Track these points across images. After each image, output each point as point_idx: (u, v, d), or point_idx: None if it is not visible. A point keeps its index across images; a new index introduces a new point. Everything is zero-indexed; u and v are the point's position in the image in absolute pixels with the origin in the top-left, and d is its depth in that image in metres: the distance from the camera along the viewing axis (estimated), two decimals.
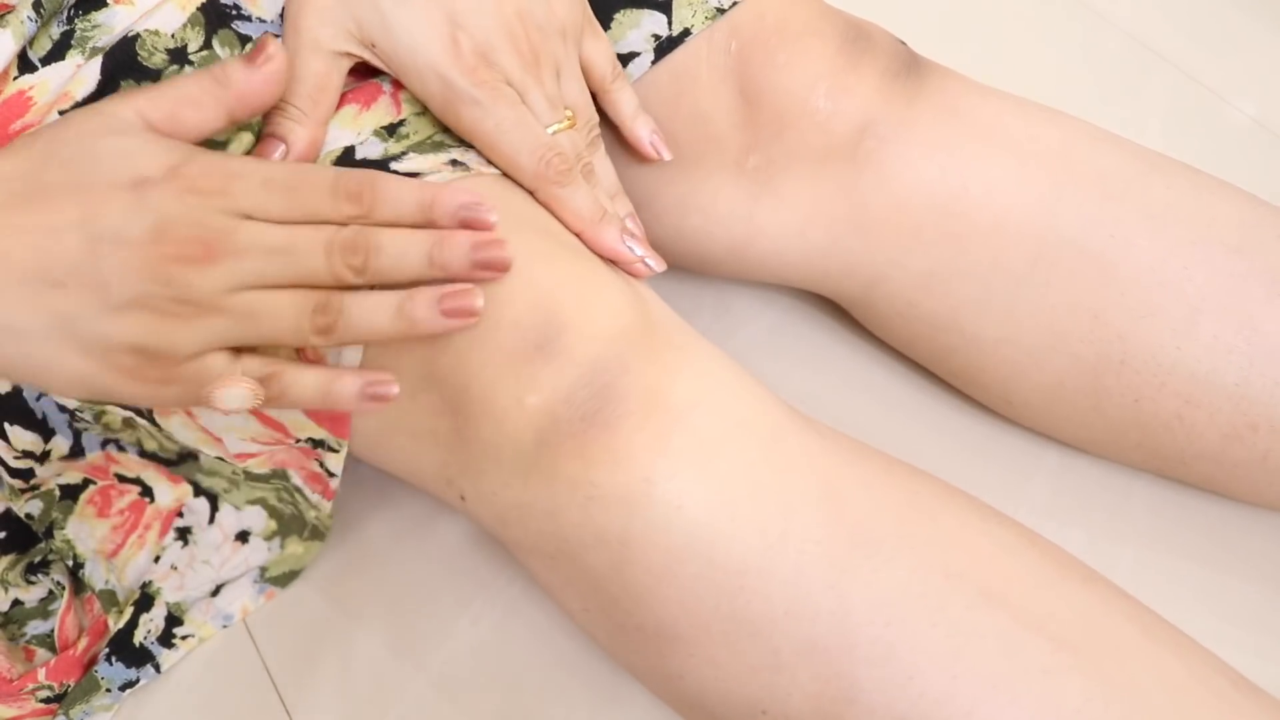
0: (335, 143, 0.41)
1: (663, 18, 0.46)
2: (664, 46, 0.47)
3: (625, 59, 0.46)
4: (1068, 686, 0.34)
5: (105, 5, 0.41)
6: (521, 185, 0.42)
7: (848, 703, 0.35)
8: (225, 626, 0.52)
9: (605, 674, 0.50)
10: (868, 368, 0.57)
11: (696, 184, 0.49)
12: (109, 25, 0.41)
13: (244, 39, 0.43)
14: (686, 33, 0.46)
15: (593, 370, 0.37)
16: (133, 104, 0.35)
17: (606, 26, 0.46)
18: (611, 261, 0.43)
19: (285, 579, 0.53)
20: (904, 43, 0.49)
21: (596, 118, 0.45)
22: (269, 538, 0.51)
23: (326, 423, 0.40)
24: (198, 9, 0.42)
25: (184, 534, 0.50)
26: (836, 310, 0.58)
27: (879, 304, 0.51)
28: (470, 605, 0.52)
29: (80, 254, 0.33)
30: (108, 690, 0.49)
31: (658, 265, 0.43)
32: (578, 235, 0.42)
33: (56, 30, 0.40)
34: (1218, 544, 0.52)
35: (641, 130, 0.46)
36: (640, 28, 0.46)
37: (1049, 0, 0.73)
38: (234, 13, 0.43)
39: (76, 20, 0.40)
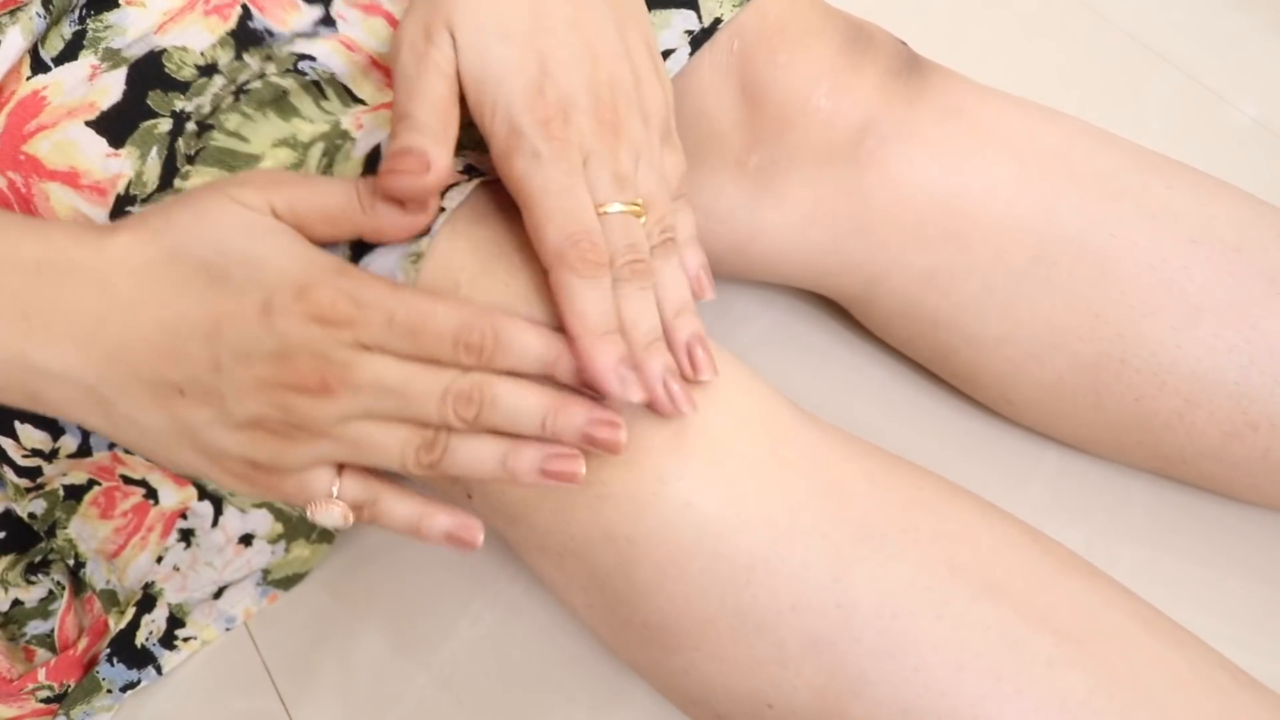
0: (372, 143, 0.40)
1: (691, 14, 0.46)
2: (699, 38, 0.46)
3: (664, 55, 0.45)
4: (1072, 678, 0.34)
5: (117, 6, 0.41)
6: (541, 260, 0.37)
7: (853, 696, 0.35)
8: (228, 629, 0.52)
9: (606, 673, 0.50)
10: (868, 368, 0.57)
11: (698, 183, 0.49)
12: (121, 26, 0.41)
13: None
14: (718, 22, 0.46)
15: None
16: (267, 197, 0.35)
17: None
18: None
19: (289, 582, 0.53)
20: (905, 43, 0.49)
21: (672, 221, 0.39)
22: (273, 541, 0.51)
23: None
24: (227, 34, 0.42)
25: (186, 536, 0.50)
26: (836, 310, 0.58)
27: (880, 302, 0.51)
28: (471, 605, 0.52)
29: (203, 367, 0.34)
30: (109, 691, 0.49)
31: (681, 407, 0.37)
32: (570, 338, 0.36)
33: (68, 30, 0.41)
34: (1216, 544, 0.52)
35: (691, 260, 0.40)
36: (671, 26, 0.46)
37: (1049, 0, 0.73)
38: (265, 35, 0.42)
39: (88, 20, 0.41)
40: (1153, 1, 0.72)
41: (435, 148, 0.35)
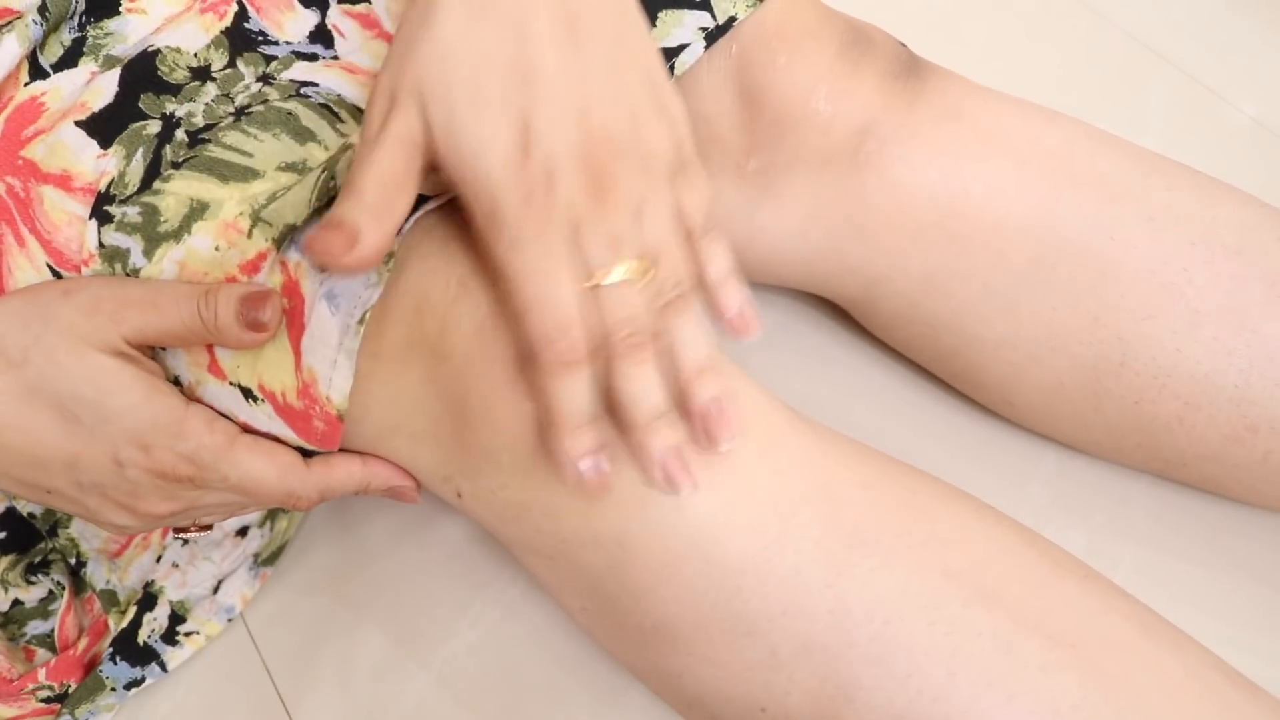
0: None
1: (705, 14, 0.45)
2: (713, 34, 0.45)
3: (676, 50, 0.44)
4: (1065, 683, 0.34)
5: (118, 13, 0.41)
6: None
7: (846, 700, 0.35)
8: (229, 620, 0.52)
9: (605, 674, 0.50)
10: (868, 369, 0.57)
11: None
12: (122, 34, 0.40)
13: (269, 59, 0.42)
14: (732, 20, 0.45)
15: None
16: (117, 330, 0.37)
17: (652, 24, 0.44)
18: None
19: (274, 557, 0.53)
20: (905, 45, 0.49)
21: (683, 275, 0.35)
22: (262, 525, 0.52)
23: (314, 440, 0.41)
24: (221, 33, 0.41)
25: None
26: (836, 311, 0.58)
27: (880, 305, 0.51)
28: (470, 606, 0.52)
29: (65, 485, 0.40)
30: (113, 689, 0.49)
31: (680, 488, 0.36)
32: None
33: (68, 36, 0.40)
34: (1216, 545, 0.52)
35: (729, 299, 0.36)
36: (684, 25, 0.45)
37: (1049, 0, 0.73)
38: (259, 38, 0.42)
39: (89, 27, 0.40)
40: (1153, 1, 0.72)
41: (372, 224, 0.34)
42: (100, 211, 0.38)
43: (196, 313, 0.37)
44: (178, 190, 0.38)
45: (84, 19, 0.41)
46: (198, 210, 0.38)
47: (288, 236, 0.39)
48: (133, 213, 0.38)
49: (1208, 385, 0.45)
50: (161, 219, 0.38)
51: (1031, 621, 0.36)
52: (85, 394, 0.37)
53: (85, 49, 0.40)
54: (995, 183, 0.46)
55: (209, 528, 0.47)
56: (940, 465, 0.44)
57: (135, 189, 0.39)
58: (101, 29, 0.40)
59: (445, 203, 0.40)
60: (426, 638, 0.51)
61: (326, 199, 0.39)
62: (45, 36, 0.40)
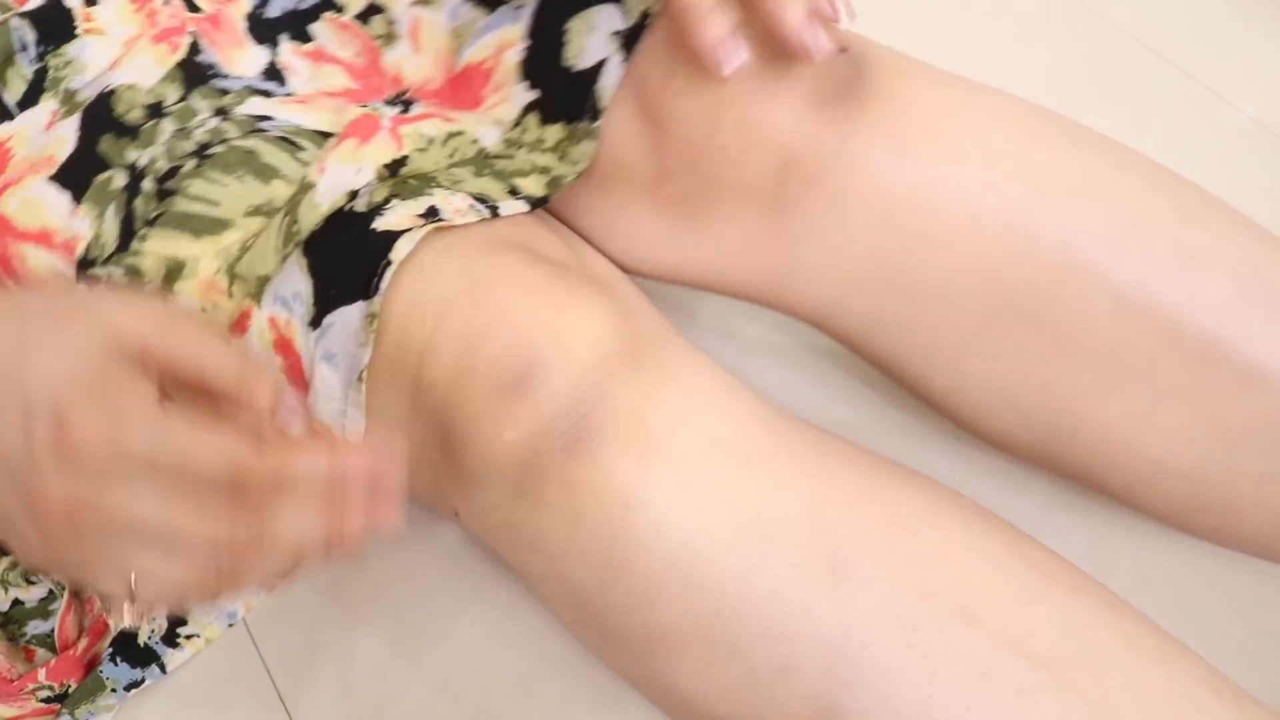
0: (337, 188, 0.39)
1: (615, 8, 0.40)
2: (629, 39, 0.40)
3: (594, 71, 0.40)
4: (1042, 705, 0.34)
5: (75, 36, 0.40)
6: None
7: None
8: (230, 625, 0.52)
9: (604, 675, 0.50)
10: (865, 371, 0.57)
11: (615, 207, 0.45)
12: (80, 61, 0.40)
13: (224, 92, 0.42)
14: (646, 16, 0.40)
15: (571, 401, 0.37)
16: (143, 338, 0.31)
17: (561, 41, 0.41)
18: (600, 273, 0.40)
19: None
20: (845, 49, 0.42)
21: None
22: None
23: None
24: (176, 66, 0.41)
25: None
26: None
27: (831, 334, 0.48)
28: (469, 606, 0.52)
29: None
30: (113, 690, 0.49)
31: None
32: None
33: (28, 69, 0.40)
34: (1215, 546, 0.51)
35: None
36: (596, 30, 0.40)
37: (1048, 1, 0.73)
38: (210, 72, 0.42)
39: (48, 56, 0.40)
40: (1152, 1, 0.72)
41: None
42: (85, 276, 0.39)
43: (241, 371, 0.31)
44: (154, 250, 0.39)
45: (41, 48, 0.40)
46: (175, 270, 0.38)
47: (263, 289, 0.39)
48: (119, 274, 0.39)
49: (1161, 467, 0.42)
50: (145, 280, 0.39)
51: (1011, 642, 0.35)
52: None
53: (46, 84, 0.40)
54: (943, 243, 0.41)
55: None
56: (938, 469, 0.44)
57: (114, 248, 0.39)
58: (61, 56, 0.40)
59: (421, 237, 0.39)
60: (426, 638, 0.51)
61: (292, 244, 0.39)
62: (3, 69, 0.40)
